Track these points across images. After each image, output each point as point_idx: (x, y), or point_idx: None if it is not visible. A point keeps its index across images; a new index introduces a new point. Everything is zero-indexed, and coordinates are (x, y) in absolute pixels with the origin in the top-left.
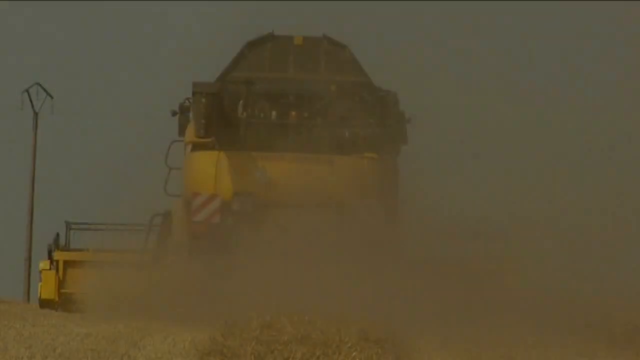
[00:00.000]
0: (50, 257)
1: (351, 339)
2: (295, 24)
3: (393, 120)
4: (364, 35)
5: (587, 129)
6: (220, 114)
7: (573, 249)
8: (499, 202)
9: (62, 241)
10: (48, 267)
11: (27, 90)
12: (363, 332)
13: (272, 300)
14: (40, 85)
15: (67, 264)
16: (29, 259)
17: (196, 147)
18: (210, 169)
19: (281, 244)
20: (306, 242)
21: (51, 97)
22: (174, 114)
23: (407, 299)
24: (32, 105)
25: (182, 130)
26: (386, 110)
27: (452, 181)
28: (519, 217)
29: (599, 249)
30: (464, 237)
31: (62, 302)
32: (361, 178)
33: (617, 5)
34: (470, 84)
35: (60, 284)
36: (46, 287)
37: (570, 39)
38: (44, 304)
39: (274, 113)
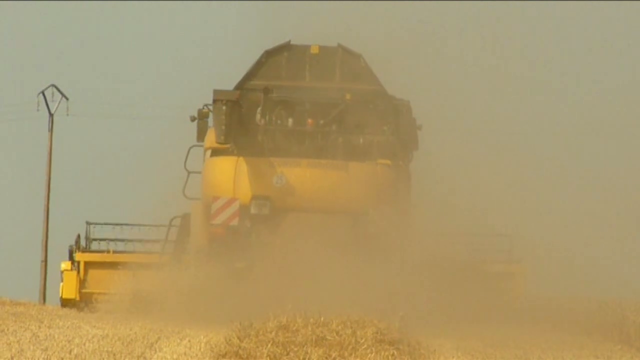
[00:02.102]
0: (71, 258)
1: (367, 340)
2: (310, 32)
3: (406, 127)
4: (377, 43)
5: (596, 133)
6: (239, 120)
7: (586, 250)
8: (509, 204)
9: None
10: (69, 268)
11: (42, 92)
12: (378, 333)
13: (288, 302)
14: (55, 87)
15: (88, 264)
16: (45, 260)
17: (215, 152)
18: (229, 173)
19: (297, 247)
20: (321, 245)
21: (67, 98)
22: (192, 119)
23: (421, 301)
24: (48, 107)
25: (200, 136)
26: (399, 118)
27: (462, 185)
28: (530, 219)
29: (612, 250)
30: (474, 240)
31: (82, 302)
32: (375, 184)
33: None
34: (477, 90)
35: (81, 284)
36: (67, 287)
37: (578, 41)
38: (65, 303)
39: (290, 120)
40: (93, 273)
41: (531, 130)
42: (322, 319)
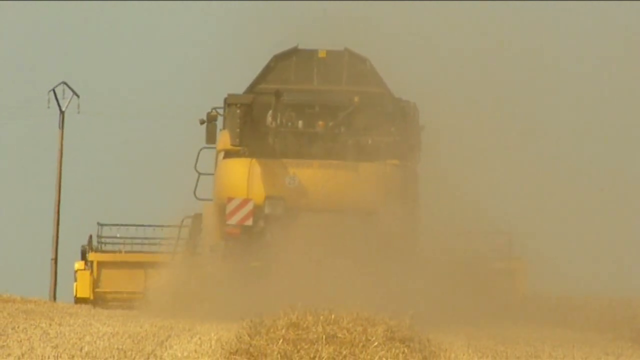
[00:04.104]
0: (84, 258)
1: (377, 338)
2: (316, 37)
3: (413, 129)
4: (381, 46)
5: (599, 130)
6: (250, 123)
7: (597, 248)
8: (513, 202)
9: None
10: (83, 268)
11: (53, 90)
12: (389, 331)
13: (299, 300)
14: (66, 84)
15: (101, 264)
16: (56, 258)
17: (228, 154)
18: (242, 175)
19: (309, 246)
20: (333, 244)
21: (77, 96)
22: (202, 122)
23: (431, 299)
24: (59, 104)
25: (209, 138)
26: (406, 120)
27: (466, 184)
28: (534, 216)
29: (622, 248)
30: (478, 238)
31: (96, 300)
32: (384, 183)
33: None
34: (481, 89)
35: (95, 283)
36: (81, 287)
37: (582, 41)
38: (79, 302)
39: (300, 122)
40: (106, 273)
41: (534, 129)
42: (332, 316)
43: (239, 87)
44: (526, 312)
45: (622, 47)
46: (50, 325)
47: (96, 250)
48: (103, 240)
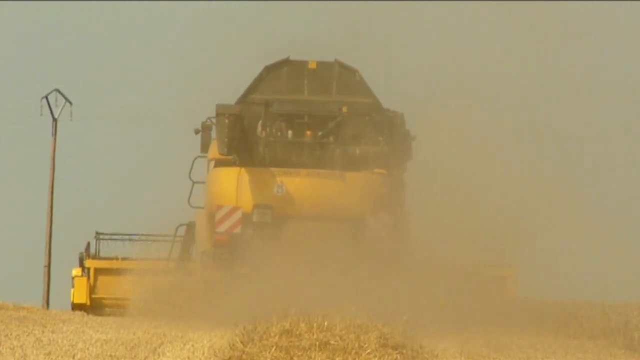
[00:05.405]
0: (81, 265)
1: (370, 345)
2: (306, 47)
3: (400, 138)
4: (372, 57)
5: (592, 136)
6: (241, 133)
7: (590, 254)
8: (506, 208)
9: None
10: (80, 274)
11: (46, 97)
12: (382, 338)
13: (291, 307)
14: (59, 91)
15: (98, 271)
16: (49, 265)
17: (219, 163)
18: (232, 183)
19: (298, 253)
20: (321, 251)
21: (70, 103)
22: (196, 132)
23: (423, 306)
24: (51, 112)
25: (204, 147)
26: (394, 130)
27: (456, 191)
28: (524, 222)
29: (616, 254)
30: (473, 244)
31: (92, 306)
32: (371, 192)
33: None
34: (470, 100)
35: (91, 289)
36: (78, 293)
37: (574, 44)
38: (76, 307)
39: (290, 132)
40: (102, 279)
41: (525, 137)
42: (325, 323)
43: (235, 96)
44: (519, 319)
45: (620, 47)
46: (43, 332)
47: (93, 257)
48: (101, 244)
